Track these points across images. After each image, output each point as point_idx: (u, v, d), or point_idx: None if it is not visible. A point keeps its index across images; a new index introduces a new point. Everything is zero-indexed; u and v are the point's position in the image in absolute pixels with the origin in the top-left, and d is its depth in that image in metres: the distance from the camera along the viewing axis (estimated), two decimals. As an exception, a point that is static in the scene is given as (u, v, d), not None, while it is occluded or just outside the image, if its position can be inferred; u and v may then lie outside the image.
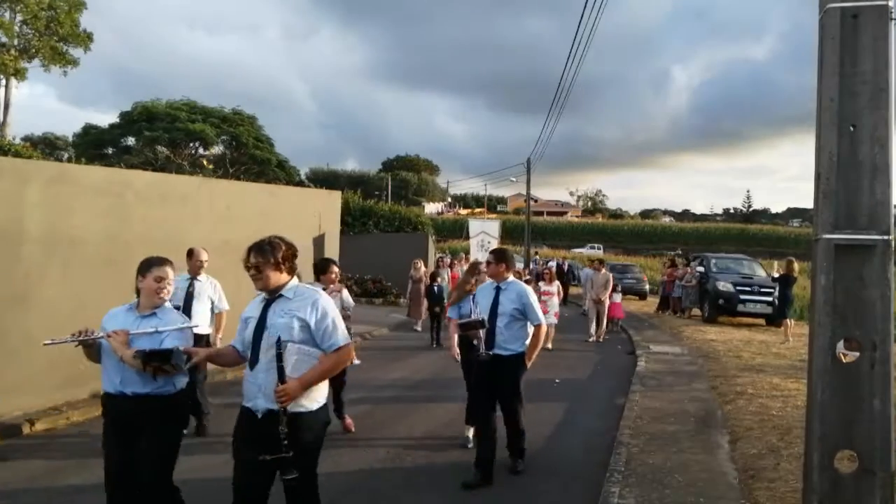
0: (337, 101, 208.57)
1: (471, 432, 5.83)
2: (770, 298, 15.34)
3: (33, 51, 29.93)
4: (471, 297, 5.69)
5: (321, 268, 6.03)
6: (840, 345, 3.14)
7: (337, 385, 5.95)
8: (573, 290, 23.63)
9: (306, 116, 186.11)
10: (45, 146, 50.10)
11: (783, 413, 6.73)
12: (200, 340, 5.67)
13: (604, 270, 14.13)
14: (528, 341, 5.14)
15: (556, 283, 12.81)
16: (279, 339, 2.99)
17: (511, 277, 5.16)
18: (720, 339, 12.96)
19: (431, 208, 71.23)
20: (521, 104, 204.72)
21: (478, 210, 78.98)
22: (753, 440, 5.84)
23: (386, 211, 25.92)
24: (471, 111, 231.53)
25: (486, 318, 4.99)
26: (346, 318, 5.28)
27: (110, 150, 41.18)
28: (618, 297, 14.79)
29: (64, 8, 30.00)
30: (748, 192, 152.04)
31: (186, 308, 5.88)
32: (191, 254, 6.22)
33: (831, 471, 3.12)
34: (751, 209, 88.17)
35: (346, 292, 6.59)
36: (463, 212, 74.41)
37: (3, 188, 6.35)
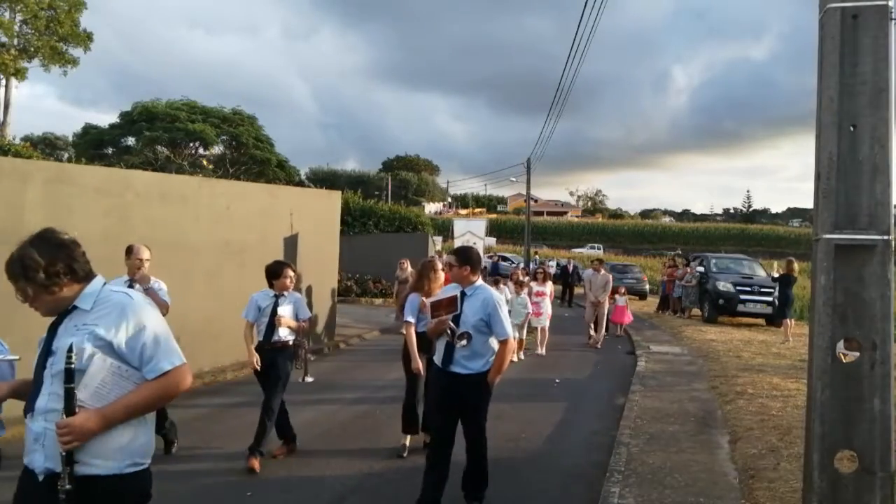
0: (337, 100, 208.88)
1: (407, 440, 5.65)
2: (770, 298, 15.34)
3: (33, 50, 29.92)
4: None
5: (274, 272, 5.43)
6: (840, 345, 3.14)
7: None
8: (577, 291, 23.63)
9: (306, 116, 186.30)
10: (45, 146, 50.09)
11: (783, 413, 6.73)
12: None
13: (603, 271, 13.47)
14: (492, 359, 4.32)
15: (549, 283, 12.48)
16: (68, 366, 2.09)
17: (479, 282, 4.43)
18: (720, 339, 12.96)
19: (431, 208, 71.21)
20: (521, 104, 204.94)
21: (478, 210, 79.03)
22: (753, 440, 5.83)
23: (386, 211, 25.90)
24: (471, 111, 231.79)
25: (458, 293, 4.33)
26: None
27: (110, 150, 41.16)
28: (622, 301, 14.02)
29: (64, 8, 29.99)
30: (748, 192, 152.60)
31: None
32: (129, 251, 5.30)
33: (831, 471, 3.12)
34: (751, 209, 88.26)
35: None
36: (463, 212, 74.38)
37: (3, 188, 6.35)
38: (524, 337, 11.04)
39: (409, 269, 13.34)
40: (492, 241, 54.75)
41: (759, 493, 4.59)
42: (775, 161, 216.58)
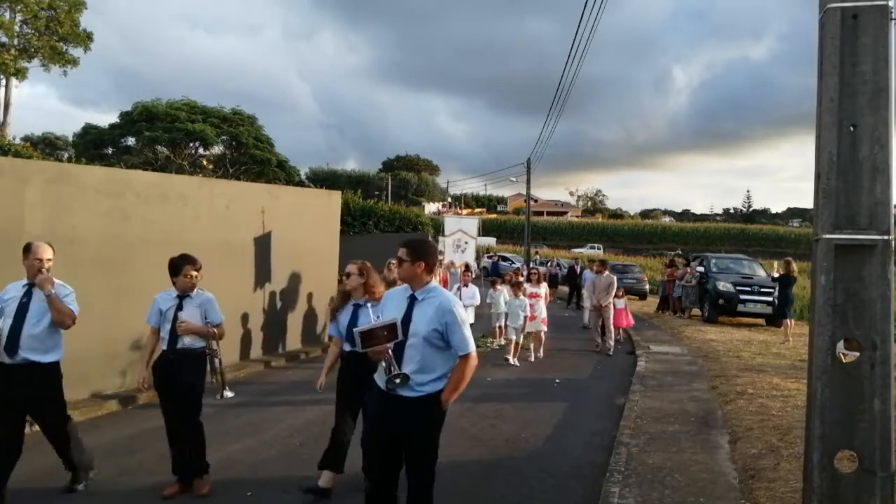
0: (337, 100, 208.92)
1: (325, 479, 4.66)
2: (770, 298, 15.35)
3: (33, 50, 29.94)
4: (367, 307, 4.30)
5: (174, 268, 4.75)
6: (840, 345, 3.14)
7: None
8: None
9: (306, 116, 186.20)
10: (45, 146, 50.10)
11: (783, 413, 6.73)
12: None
13: (606, 273, 12.74)
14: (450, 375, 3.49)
15: (544, 284, 12.03)
16: None
17: (433, 282, 3.56)
18: (720, 339, 12.96)
19: (431, 208, 71.18)
20: (521, 104, 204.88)
21: (478, 210, 79.04)
22: (753, 440, 5.83)
23: (386, 211, 25.90)
24: (471, 111, 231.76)
25: (398, 321, 3.35)
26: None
27: (110, 150, 41.16)
28: (621, 303, 12.96)
29: (64, 8, 30.01)
30: (748, 192, 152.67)
31: (17, 324, 4.28)
32: (27, 250, 4.47)
33: (831, 471, 3.12)
34: (751, 209, 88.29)
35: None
36: (463, 212, 74.41)
37: (3, 188, 6.36)
38: (521, 341, 10.66)
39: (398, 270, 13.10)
40: (492, 240, 54.83)
41: (759, 493, 4.59)
42: (775, 161, 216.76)
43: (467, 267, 14.12)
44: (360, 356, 3.68)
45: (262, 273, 9.79)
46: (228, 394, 5.16)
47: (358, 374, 4.29)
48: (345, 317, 4.74)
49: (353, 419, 4.68)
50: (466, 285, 11.09)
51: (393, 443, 3.45)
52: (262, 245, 9.76)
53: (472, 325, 10.37)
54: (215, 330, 4.86)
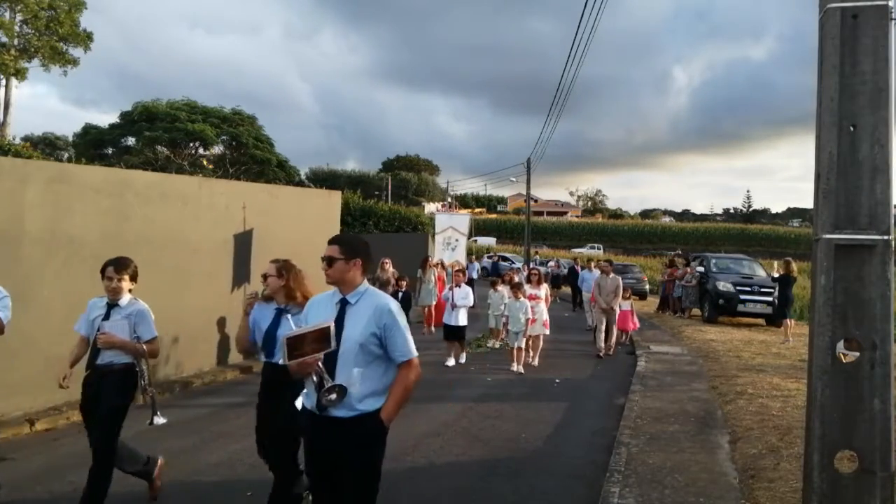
0: (338, 101, 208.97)
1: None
2: (770, 298, 15.34)
3: (33, 50, 29.95)
4: (289, 314, 3.90)
5: (102, 270, 4.22)
6: (840, 345, 3.14)
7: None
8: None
9: (307, 116, 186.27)
10: (45, 146, 50.13)
11: (783, 413, 6.73)
12: None
13: (613, 274, 12.19)
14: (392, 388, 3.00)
15: (545, 286, 11.47)
16: None
17: (366, 284, 3.11)
18: (720, 339, 12.95)
19: (431, 208, 71.16)
20: (521, 104, 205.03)
21: (478, 210, 79.01)
22: (753, 440, 5.83)
23: (386, 211, 25.96)
24: (471, 111, 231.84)
25: (331, 324, 2.88)
26: None
27: (110, 150, 41.21)
28: (627, 305, 12.60)
29: (64, 7, 30.02)
30: (748, 192, 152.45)
31: None
32: None
33: (831, 471, 3.12)
34: (751, 209, 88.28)
35: None
36: (463, 211, 74.40)
37: (3, 188, 6.36)
38: (522, 345, 9.87)
39: (391, 269, 12.37)
40: (491, 240, 54.83)
41: (759, 493, 4.59)
42: (775, 161, 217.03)
43: (461, 268, 13.87)
44: (279, 369, 3.12)
45: (241, 272, 9.36)
46: (160, 420, 4.26)
47: (276, 389, 3.87)
48: (265, 321, 4.10)
49: (290, 457, 3.99)
50: (459, 286, 10.57)
51: (336, 471, 2.97)
52: (243, 243, 9.23)
53: (465, 326, 10.28)
54: (144, 347, 4.18)
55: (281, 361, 2.92)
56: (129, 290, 4.25)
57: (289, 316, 3.78)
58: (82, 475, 4.76)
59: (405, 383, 2.99)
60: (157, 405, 4.36)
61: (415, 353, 3.02)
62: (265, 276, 4.17)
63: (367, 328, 2.94)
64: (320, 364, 2.86)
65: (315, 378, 2.89)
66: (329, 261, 3.04)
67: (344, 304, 3.03)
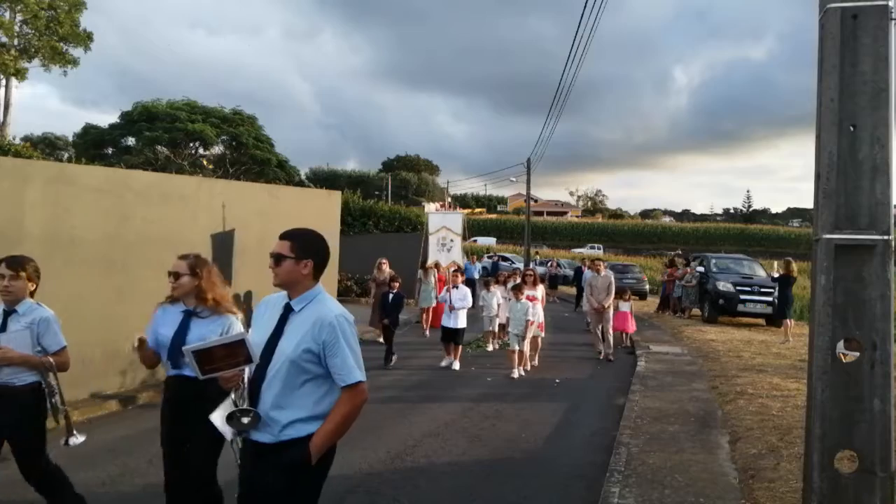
0: (338, 101, 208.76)
1: None
2: (770, 298, 15.35)
3: (33, 50, 29.97)
4: (199, 316, 3.50)
5: None
6: (840, 345, 3.14)
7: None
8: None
9: (307, 116, 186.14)
10: (45, 146, 50.16)
11: (783, 413, 6.74)
12: None
13: (604, 272, 11.96)
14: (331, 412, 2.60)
15: (541, 286, 11.03)
16: None
17: (318, 289, 2.72)
18: (720, 339, 12.96)
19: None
20: (521, 104, 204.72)
21: (478, 210, 79.01)
22: (753, 440, 5.84)
23: (386, 211, 25.97)
24: (471, 111, 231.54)
25: (246, 337, 2.56)
26: None
27: (110, 150, 41.26)
28: (626, 306, 12.35)
29: (64, 8, 30.05)
30: (748, 192, 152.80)
31: None
32: None
33: (831, 471, 3.12)
34: (751, 209, 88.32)
35: None
36: (463, 211, 74.37)
37: (3, 188, 6.36)
38: (524, 349, 9.64)
39: (388, 270, 12.02)
40: (492, 241, 54.81)
41: (759, 493, 4.59)
42: (775, 161, 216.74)
43: (459, 268, 13.73)
44: (189, 383, 2.77)
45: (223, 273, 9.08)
46: (76, 440, 3.80)
47: (187, 409, 3.33)
48: (165, 326, 3.51)
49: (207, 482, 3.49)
50: (457, 287, 10.32)
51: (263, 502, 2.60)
52: (222, 243, 8.65)
53: (464, 329, 10.12)
54: (51, 360, 3.60)
55: (198, 377, 2.53)
56: (31, 294, 3.63)
57: (200, 320, 3.36)
58: (81, 474, 4.76)
59: (343, 412, 2.55)
60: (73, 424, 3.82)
61: (360, 376, 2.57)
62: (176, 275, 3.52)
63: (301, 343, 2.54)
64: (244, 380, 2.54)
65: (232, 395, 2.57)
66: (276, 258, 2.65)
67: (288, 311, 2.66)
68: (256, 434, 2.56)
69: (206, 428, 2.70)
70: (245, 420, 2.51)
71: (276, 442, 2.53)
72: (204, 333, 3.29)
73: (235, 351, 2.47)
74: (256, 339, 2.60)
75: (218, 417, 2.63)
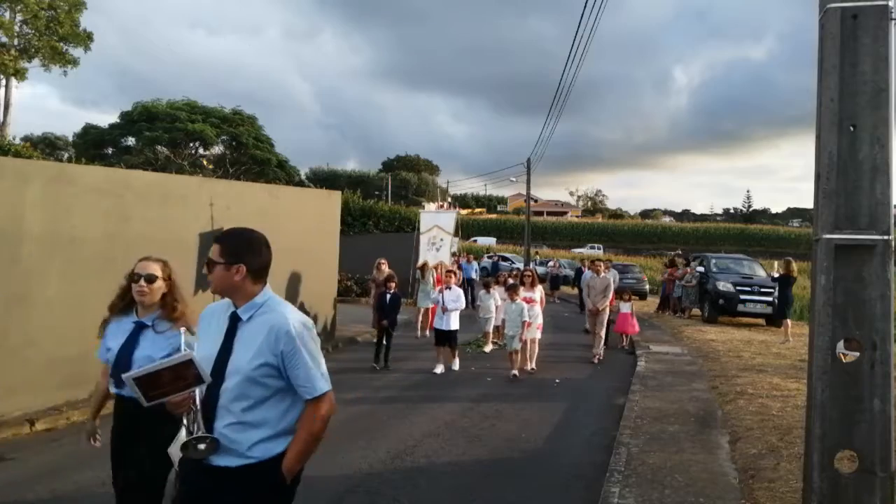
0: (338, 101, 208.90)
1: None
2: (770, 298, 15.35)
3: (33, 50, 29.98)
4: (154, 329, 3.14)
5: None
6: (840, 345, 3.14)
7: None
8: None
9: (307, 116, 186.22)
10: (45, 146, 50.17)
11: (783, 413, 6.74)
12: None
13: (603, 273, 11.70)
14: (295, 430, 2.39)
15: (539, 287, 10.83)
16: None
17: (266, 294, 2.44)
18: (720, 339, 12.96)
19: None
20: (521, 104, 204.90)
21: (478, 210, 79.03)
22: (753, 440, 5.84)
23: (386, 211, 26.00)
24: (471, 111, 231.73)
25: (193, 356, 2.23)
26: None
27: (110, 150, 41.29)
28: (627, 307, 12.10)
29: (64, 8, 30.06)
30: (748, 192, 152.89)
31: None
32: None
33: (831, 471, 3.12)
34: (751, 209, 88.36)
35: None
36: (463, 211, 74.40)
37: (3, 188, 6.36)
38: (518, 349, 9.51)
39: (387, 270, 11.93)
40: (492, 241, 54.79)
41: (759, 493, 4.59)
42: (775, 161, 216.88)
43: (452, 269, 13.48)
44: (133, 402, 2.43)
45: (205, 276, 8.77)
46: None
47: (138, 429, 3.01)
48: (113, 338, 3.14)
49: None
50: (450, 287, 10.09)
51: None
52: (209, 243, 8.51)
53: (457, 331, 9.86)
54: None
55: (143, 403, 2.23)
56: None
57: (155, 335, 3.01)
58: (84, 475, 4.77)
59: (310, 427, 2.33)
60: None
61: (325, 387, 2.36)
62: (150, 278, 3.12)
63: (257, 357, 2.28)
64: (197, 402, 2.26)
65: (185, 421, 2.30)
66: (209, 265, 2.39)
67: (235, 321, 2.37)
68: (218, 459, 2.28)
69: (152, 451, 2.52)
70: (201, 447, 2.24)
71: (241, 465, 2.28)
72: (152, 353, 2.94)
73: (183, 373, 2.20)
74: (205, 355, 2.31)
75: (174, 449, 2.41)
